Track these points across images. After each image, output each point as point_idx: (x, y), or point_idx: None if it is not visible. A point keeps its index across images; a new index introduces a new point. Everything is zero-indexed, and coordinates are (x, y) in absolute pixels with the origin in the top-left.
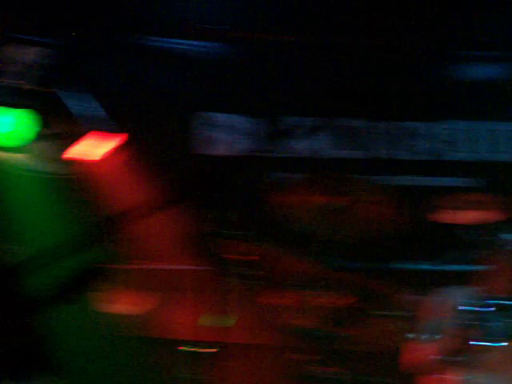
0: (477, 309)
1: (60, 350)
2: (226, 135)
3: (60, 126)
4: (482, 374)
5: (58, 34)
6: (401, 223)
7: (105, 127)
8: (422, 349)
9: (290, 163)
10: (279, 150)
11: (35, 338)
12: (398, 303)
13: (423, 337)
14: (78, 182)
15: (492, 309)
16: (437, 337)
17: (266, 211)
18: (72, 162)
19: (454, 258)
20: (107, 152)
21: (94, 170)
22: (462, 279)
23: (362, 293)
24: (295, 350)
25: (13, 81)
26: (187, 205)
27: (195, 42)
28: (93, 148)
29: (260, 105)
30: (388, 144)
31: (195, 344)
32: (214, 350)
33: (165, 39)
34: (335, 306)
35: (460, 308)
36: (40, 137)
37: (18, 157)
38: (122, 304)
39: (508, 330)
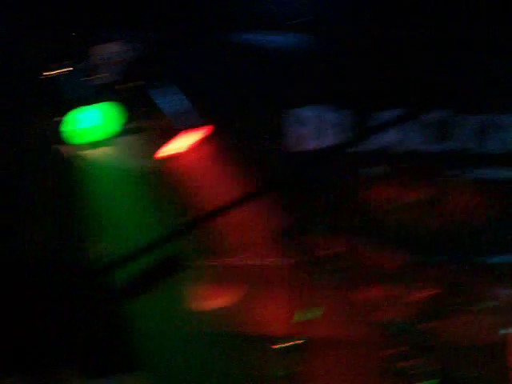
0: None
1: (144, 347)
2: (314, 129)
3: (146, 120)
4: None
5: (145, 29)
6: (489, 216)
7: (190, 121)
8: None
9: (379, 157)
10: (368, 144)
11: (119, 334)
12: (488, 296)
13: None
14: (164, 176)
15: None
16: None
17: (355, 205)
18: (158, 156)
19: None
20: (192, 145)
21: (179, 163)
22: None
23: (450, 286)
24: (383, 344)
25: (98, 76)
26: (275, 199)
27: (283, 36)
28: (178, 141)
29: (349, 98)
30: (477, 137)
31: (282, 339)
32: (302, 345)
33: (252, 34)
34: (423, 299)
35: None
36: (126, 131)
37: (104, 151)
38: (208, 300)
39: None
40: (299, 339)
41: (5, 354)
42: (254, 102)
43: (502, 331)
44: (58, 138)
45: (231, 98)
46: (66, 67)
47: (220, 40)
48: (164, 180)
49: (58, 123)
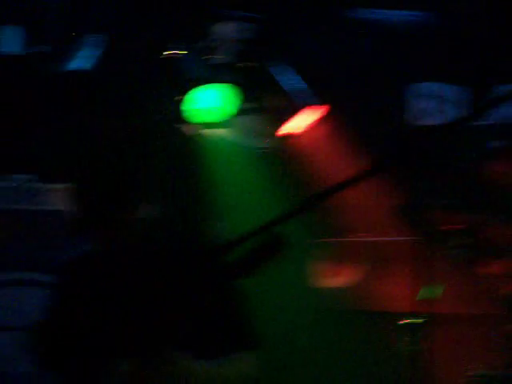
0: None
1: (262, 327)
2: (435, 104)
3: (264, 100)
4: None
5: (262, 8)
6: None
7: (307, 100)
8: None
9: (501, 131)
10: (489, 118)
11: (235, 314)
12: None
13: None
14: (282, 155)
15: None
16: None
17: (478, 180)
18: (276, 136)
19: None
20: (310, 125)
21: (296, 143)
22: None
23: None
24: (507, 319)
25: (216, 56)
26: (398, 176)
27: (405, 12)
28: (295, 121)
29: (470, 73)
30: None
31: (407, 316)
32: (426, 322)
33: (371, 10)
34: None
35: None
36: (244, 111)
37: (223, 132)
38: (332, 278)
39: None
40: (424, 315)
41: (120, 337)
42: (372, 79)
43: None
44: (179, 117)
45: (349, 76)
46: (185, 47)
47: (338, 17)
48: (282, 159)
49: (179, 102)
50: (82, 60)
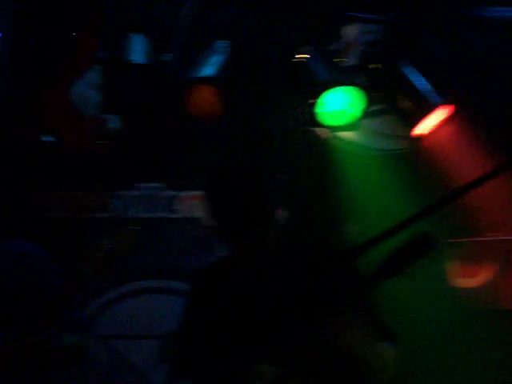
0: None
1: (399, 327)
2: None
3: (394, 102)
4: None
5: (389, 9)
6: None
7: (434, 101)
8: None
9: None
10: None
11: (374, 315)
12: None
13: None
14: (413, 156)
15: None
16: None
17: None
18: (406, 137)
19: None
20: (440, 125)
21: (428, 143)
22: None
23: None
24: None
25: (346, 58)
26: None
27: None
28: (423, 122)
29: None
30: None
31: None
32: None
33: (499, 8)
34: None
35: None
36: (374, 113)
37: (354, 135)
38: (467, 277)
39: None
40: None
41: (258, 343)
42: (500, 77)
43: None
44: (311, 120)
45: (474, 75)
46: (316, 50)
47: (464, 16)
48: (413, 160)
49: (312, 105)
50: (211, 67)
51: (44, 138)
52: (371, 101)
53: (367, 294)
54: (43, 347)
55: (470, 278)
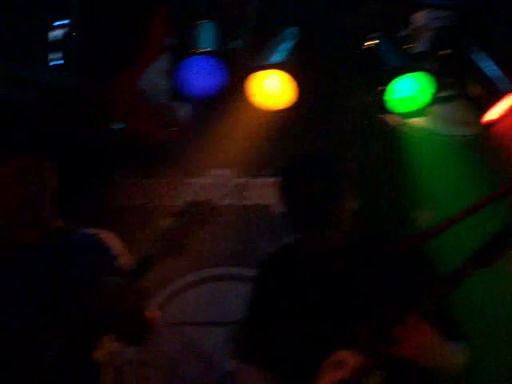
0: None
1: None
2: None
3: (458, 88)
4: None
5: None
6: None
7: (501, 86)
8: None
9: None
10: None
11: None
12: None
13: None
14: (483, 143)
15: None
16: None
17: None
18: (472, 123)
19: None
20: (505, 111)
21: (498, 129)
22: None
23: None
24: None
25: (416, 44)
26: None
27: None
28: (497, 108)
29: None
30: None
31: None
32: None
33: None
34: None
35: None
36: (440, 99)
37: (424, 121)
38: None
39: None
40: None
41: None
42: None
43: None
44: (381, 107)
45: None
46: (385, 36)
47: None
48: (481, 146)
49: (381, 93)
50: (281, 53)
51: (115, 126)
52: (441, 87)
53: (454, 285)
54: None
55: None
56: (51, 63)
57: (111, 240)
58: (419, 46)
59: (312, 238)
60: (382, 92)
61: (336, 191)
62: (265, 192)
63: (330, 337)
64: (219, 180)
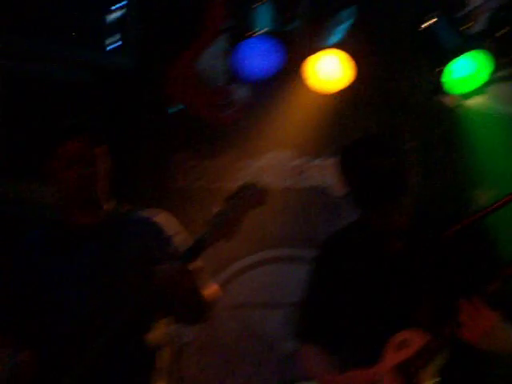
0: None
1: None
2: None
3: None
4: None
5: None
6: None
7: None
8: None
9: None
10: None
11: None
12: None
13: None
14: None
15: None
16: None
17: None
18: None
19: None
20: None
21: None
22: None
23: None
24: None
25: (469, 25)
26: None
27: None
28: None
29: None
30: None
31: None
32: None
33: None
34: None
35: None
36: (498, 79)
37: (478, 101)
38: None
39: None
40: None
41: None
42: None
43: None
44: (439, 87)
45: None
46: (443, 16)
47: None
48: None
49: (439, 73)
50: (337, 34)
51: (173, 108)
52: (498, 66)
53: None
54: None
55: None
56: (108, 47)
57: (167, 221)
58: (476, 26)
59: (377, 217)
60: (440, 72)
61: (401, 171)
62: (324, 174)
63: (394, 317)
64: (278, 162)
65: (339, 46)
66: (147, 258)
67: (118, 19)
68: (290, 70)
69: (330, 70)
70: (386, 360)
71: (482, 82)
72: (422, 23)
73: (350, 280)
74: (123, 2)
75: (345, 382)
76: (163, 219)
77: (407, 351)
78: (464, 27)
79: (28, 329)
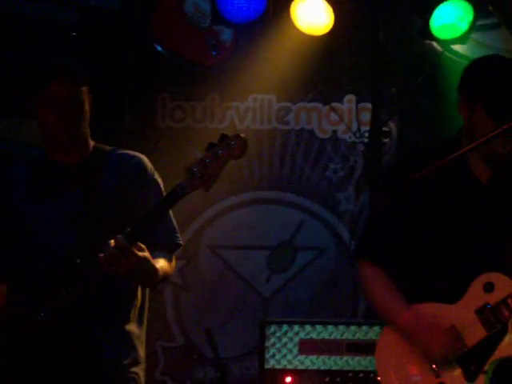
0: None
1: None
2: None
3: (501, 16)
4: None
5: None
6: None
7: None
8: None
9: None
10: None
11: None
12: None
13: None
14: None
15: None
16: None
17: None
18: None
19: None
20: None
21: None
22: None
23: None
24: None
25: None
26: None
27: None
28: None
29: None
30: None
31: None
32: None
33: None
34: None
35: None
36: (482, 27)
37: (461, 48)
38: None
39: None
40: None
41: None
42: None
43: None
44: (424, 33)
45: None
46: None
47: None
48: None
49: (424, 19)
50: None
51: (158, 48)
52: (483, 15)
53: None
54: None
55: None
56: None
57: (147, 163)
58: None
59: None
60: (425, 19)
61: None
62: (309, 117)
63: (484, 254)
64: (263, 104)
65: None
66: (129, 194)
67: None
68: (275, 13)
69: (313, 15)
70: (469, 301)
71: (466, 30)
72: None
73: (437, 204)
74: None
75: (430, 314)
76: (144, 160)
77: (492, 294)
78: None
79: (3, 263)
